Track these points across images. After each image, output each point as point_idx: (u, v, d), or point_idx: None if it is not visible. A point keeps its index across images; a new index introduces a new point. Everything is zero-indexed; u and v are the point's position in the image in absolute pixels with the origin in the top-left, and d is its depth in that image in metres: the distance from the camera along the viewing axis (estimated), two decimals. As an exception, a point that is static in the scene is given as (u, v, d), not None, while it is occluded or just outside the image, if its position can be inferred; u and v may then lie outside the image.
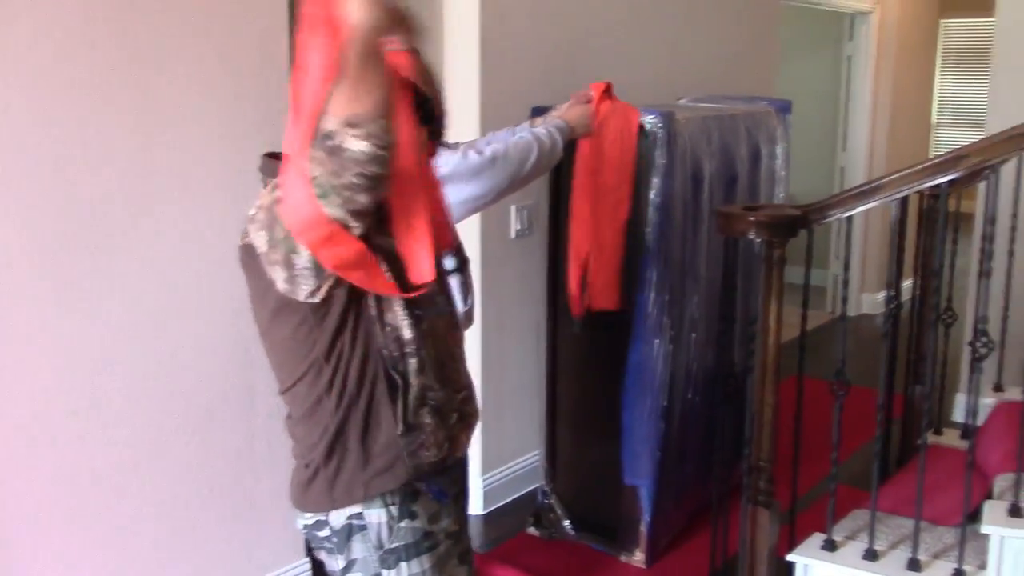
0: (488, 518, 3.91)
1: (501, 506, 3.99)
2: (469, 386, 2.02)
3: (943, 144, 11.23)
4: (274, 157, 1.85)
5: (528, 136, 2.64)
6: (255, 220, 1.75)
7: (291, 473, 1.97)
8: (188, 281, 2.78)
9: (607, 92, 3.11)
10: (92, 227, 2.54)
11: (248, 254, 1.77)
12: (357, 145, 1.52)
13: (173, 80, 2.67)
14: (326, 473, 1.87)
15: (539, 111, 3.55)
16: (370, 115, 1.54)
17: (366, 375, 1.82)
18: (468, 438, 2.01)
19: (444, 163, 2.45)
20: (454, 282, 2.38)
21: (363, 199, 1.57)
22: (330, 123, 1.54)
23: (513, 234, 3.88)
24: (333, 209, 1.57)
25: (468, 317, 2.91)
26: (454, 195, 2.46)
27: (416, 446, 1.85)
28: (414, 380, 1.85)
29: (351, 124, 1.53)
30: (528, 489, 4.07)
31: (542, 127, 2.74)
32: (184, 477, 2.84)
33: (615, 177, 3.18)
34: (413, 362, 1.83)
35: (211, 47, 2.75)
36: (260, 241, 1.71)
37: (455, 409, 1.94)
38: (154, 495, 2.78)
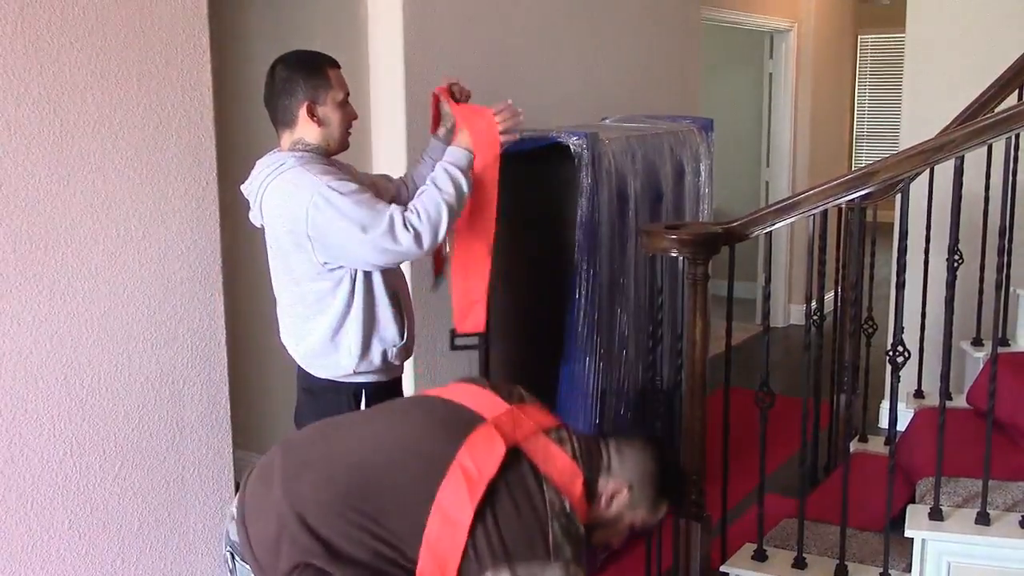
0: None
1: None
2: None
3: (865, 157, 11.53)
4: None
5: (438, 198, 2.53)
6: None
7: None
8: (108, 316, 2.74)
9: (453, 95, 2.81)
10: (6, 262, 2.50)
11: None
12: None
13: (91, 112, 2.64)
14: None
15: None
16: None
17: None
18: None
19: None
20: None
21: None
22: None
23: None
24: None
25: None
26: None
27: None
28: None
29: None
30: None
31: (447, 173, 2.58)
32: (113, 510, 2.80)
33: (488, 192, 2.76)
34: None
35: (132, 78, 2.73)
36: None
37: None
38: (82, 528, 2.73)
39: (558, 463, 1.87)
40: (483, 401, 1.96)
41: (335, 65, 2.66)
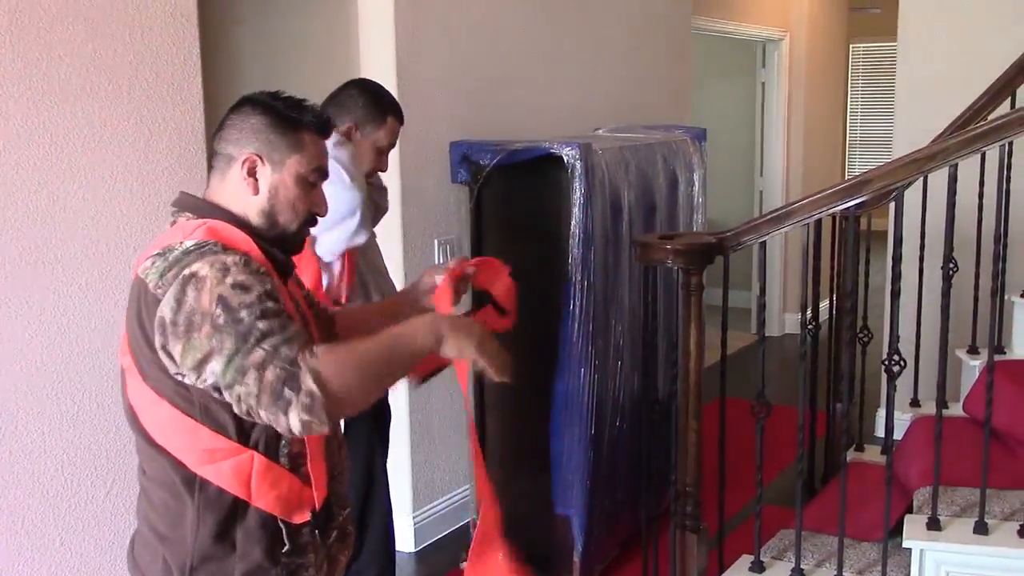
0: (420, 555, 3.88)
1: (433, 542, 3.96)
2: (349, 504, 1.91)
3: (858, 166, 11.54)
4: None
5: None
6: (156, 266, 1.66)
7: (135, 535, 1.81)
8: (99, 331, 2.72)
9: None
10: None
11: (142, 290, 1.68)
12: (298, 416, 1.49)
13: (81, 125, 2.63)
14: None
15: (457, 146, 3.58)
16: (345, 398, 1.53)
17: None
18: (346, 559, 1.88)
19: None
20: None
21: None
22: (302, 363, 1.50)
23: (437, 268, 3.87)
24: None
25: None
26: None
27: (296, 567, 1.72)
28: None
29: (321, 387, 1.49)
30: (460, 523, 4.04)
31: None
32: (104, 526, 2.77)
33: None
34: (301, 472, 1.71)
35: (122, 91, 2.71)
36: (166, 308, 1.62)
37: (336, 527, 1.82)
38: (74, 545, 2.70)
39: (182, 231, 1.69)
40: None
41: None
